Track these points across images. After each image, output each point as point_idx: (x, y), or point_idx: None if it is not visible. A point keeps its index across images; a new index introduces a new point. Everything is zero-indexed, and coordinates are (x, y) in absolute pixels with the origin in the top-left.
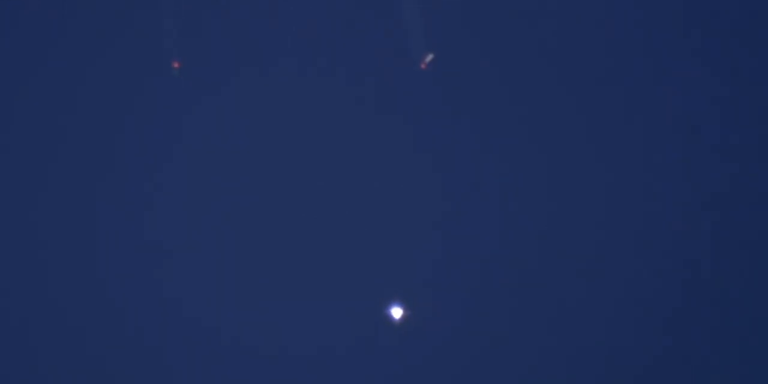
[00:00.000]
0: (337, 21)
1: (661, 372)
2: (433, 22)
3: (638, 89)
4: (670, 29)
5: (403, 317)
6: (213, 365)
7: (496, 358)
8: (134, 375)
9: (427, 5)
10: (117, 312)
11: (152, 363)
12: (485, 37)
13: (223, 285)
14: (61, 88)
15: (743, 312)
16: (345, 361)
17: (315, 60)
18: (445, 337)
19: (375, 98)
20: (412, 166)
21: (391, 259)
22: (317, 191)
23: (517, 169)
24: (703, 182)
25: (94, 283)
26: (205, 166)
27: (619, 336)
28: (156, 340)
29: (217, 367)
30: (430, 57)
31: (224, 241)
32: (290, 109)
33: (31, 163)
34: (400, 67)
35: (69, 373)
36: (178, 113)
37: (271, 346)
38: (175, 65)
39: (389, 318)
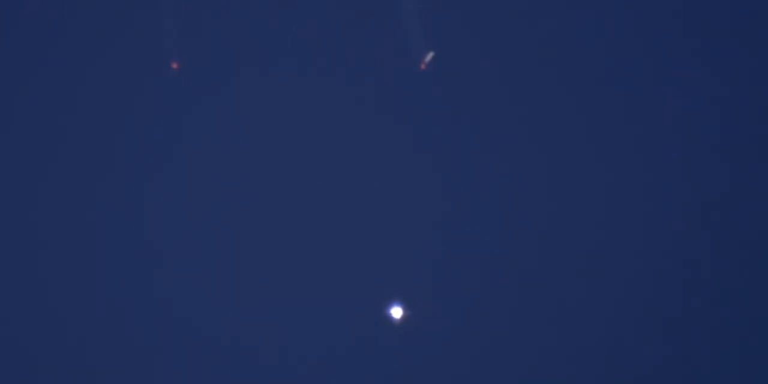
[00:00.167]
0: (337, 21)
1: (661, 372)
2: (433, 22)
3: (638, 89)
4: (670, 29)
5: (403, 317)
6: (213, 365)
7: (496, 358)
8: (134, 375)
9: (427, 5)
10: (117, 311)
11: (152, 362)
12: (485, 37)
13: (223, 284)
14: (61, 87)
15: (743, 312)
16: (345, 361)
17: (315, 60)
18: (445, 337)
19: (375, 98)
20: (412, 166)
21: (391, 260)
22: (317, 191)
23: (517, 169)
24: (702, 182)
25: (94, 282)
26: (205, 165)
27: (618, 336)
28: (155, 340)
29: (217, 367)
30: (430, 56)
31: (224, 240)
32: (290, 109)
33: (31, 163)
34: (400, 67)
35: (69, 373)
36: (178, 113)
37: (271, 346)
38: (174, 65)
39: (389, 318)
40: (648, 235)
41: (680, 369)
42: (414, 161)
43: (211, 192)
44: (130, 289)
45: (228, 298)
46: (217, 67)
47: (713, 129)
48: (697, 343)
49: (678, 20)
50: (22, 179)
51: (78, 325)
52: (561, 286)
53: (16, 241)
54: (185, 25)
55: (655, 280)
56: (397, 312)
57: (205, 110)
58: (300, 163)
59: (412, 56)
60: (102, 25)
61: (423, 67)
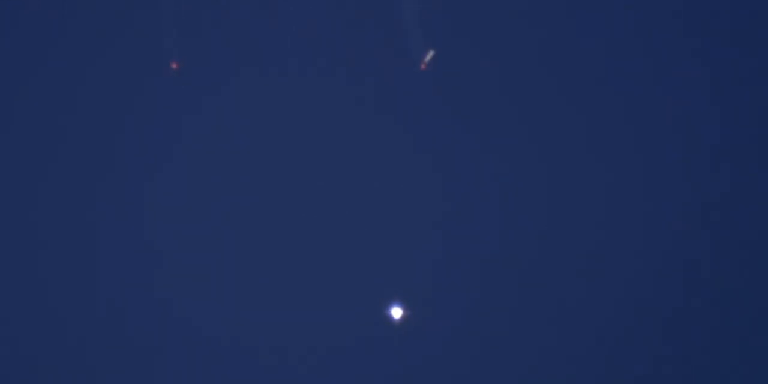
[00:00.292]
0: (337, 21)
1: (661, 371)
2: (433, 22)
3: (638, 89)
4: (670, 29)
5: (403, 317)
6: (213, 365)
7: (496, 358)
8: (134, 375)
9: (427, 5)
10: (116, 310)
11: (152, 362)
12: (485, 37)
13: (223, 284)
14: (60, 87)
15: (743, 312)
16: (345, 361)
17: (315, 60)
18: (445, 337)
19: (375, 98)
20: (412, 166)
21: (391, 260)
22: (317, 191)
23: (517, 169)
24: (702, 182)
25: (93, 282)
26: (204, 165)
27: (618, 336)
28: (155, 340)
29: (217, 367)
30: (430, 55)
31: (224, 239)
32: (290, 109)
33: (30, 163)
34: (400, 67)
35: (68, 373)
36: (178, 113)
37: (271, 346)
38: (174, 66)
39: (389, 318)
40: (648, 235)
41: (680, 369)
42: (414, 161)
43: (211, 192)
44: (130, 289)
45: (227, 297)
46: (217, 67)
47: (713, 129)
48: (697, 343)
49: (678, 20)
50: (21, 179)
51: (77, 325)
52: (561, 286)
53: (16, 240)
54: (185, 25)
55: (655, 280)
56: (397, 312)
57: (204, 110)
58: (300, 163)
59: (412, 56)
60: (102, 25)
61: (423, 67)
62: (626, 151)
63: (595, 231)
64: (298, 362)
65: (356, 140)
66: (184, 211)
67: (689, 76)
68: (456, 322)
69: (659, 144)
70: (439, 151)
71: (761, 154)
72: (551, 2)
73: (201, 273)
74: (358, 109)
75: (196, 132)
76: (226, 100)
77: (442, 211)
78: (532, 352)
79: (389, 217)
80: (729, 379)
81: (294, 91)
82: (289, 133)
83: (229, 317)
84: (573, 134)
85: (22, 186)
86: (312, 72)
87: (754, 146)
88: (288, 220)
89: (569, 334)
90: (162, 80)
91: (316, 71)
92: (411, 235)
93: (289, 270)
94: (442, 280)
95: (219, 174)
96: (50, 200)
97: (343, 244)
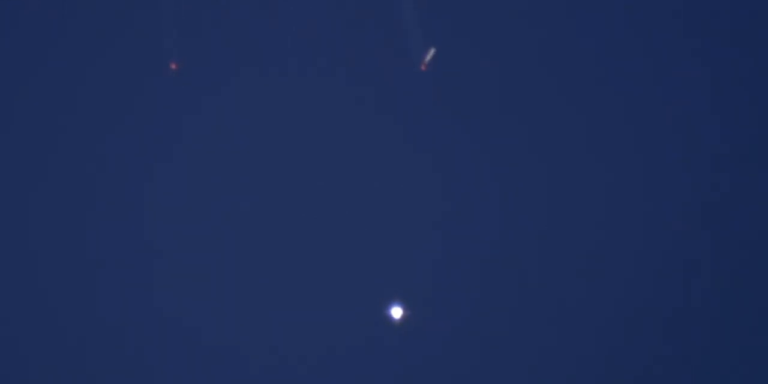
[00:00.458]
0: (337, 21)
1: (661, 371)
2: (433, 22)
3: (638, 89)
4: (670, 29)
5: (403, 317)
6: (213, 365)
7: (496, 358)
8: (134, 375)
9: (427, 5)
10: (116, 310)
11: (152, 362)
12: (485, 37)
13: (223, 284)
14: (60, 87)
15: (743, 312)
16: (345, 361)
17: (315, 60)
18: (445, 337)
19: (375, 98)
20: (412, 166)
21: (391, 260)
22: (317, 191)
23: (517, 169)
24: (702, 182)
25: (93, 281)
26: (204, 165)
27: (618, 336)
28: (155, 340)
29: (216, 367)
30: (431, 54)
31: (224, 240)
32: (290, 109)
33: (30, 163)
34: (400, 67)
35: (69, 373)
36: (177, 113)
37: (272, 346)
38: (173, 66)
39: (389, 318)
40: (648, 235)
41: (680, 369)
42: (414, 161)
43: (211, 192)
44: (130, 289)
45: (228, 298)
46: (217, 67)
47: (713, 129)
48: (697, 342)
49: (678, 20)
50: (21, 179)
51: (77, 325)
52: (561, 286)
53: (16, 240)
54: (185, 25)
55: (655, 280)
56: (397, 312)
57: (204, 110)
58: (300, 163)
59: (412, 56)
60: (102, 25)
61: (423, 67)
62: (626, 151)
63: (595, 231)
64: (299, 362)
65: (356, 140)
66: (184, 211)
67: (689, 76)
68: (456, 322)
69: (659, 144)
70: (439, 151)
71: (761, 154)
72: (551, 2)
73: (200, 272)
74: (358, 108)
75: (196, 132)
76: (226, 100)
77: (442, 211)
78: (532, 352)
79: (389, 217)
80: (729, 379)
81: (294, 91)
82: (289, 133)
83: (229, 317)
84: (573, 134)
85: (22, 186)
86: (312, 72)
87: (754, 146)
88: (288, 220)
89: (569, 333)
90: (162, 80)
91: (316, 71)
92: (411, 235)
93: (289, 269)
94: (442, 280)
95: (219, 174)
96: (50, 200)
97: (343, 244)
